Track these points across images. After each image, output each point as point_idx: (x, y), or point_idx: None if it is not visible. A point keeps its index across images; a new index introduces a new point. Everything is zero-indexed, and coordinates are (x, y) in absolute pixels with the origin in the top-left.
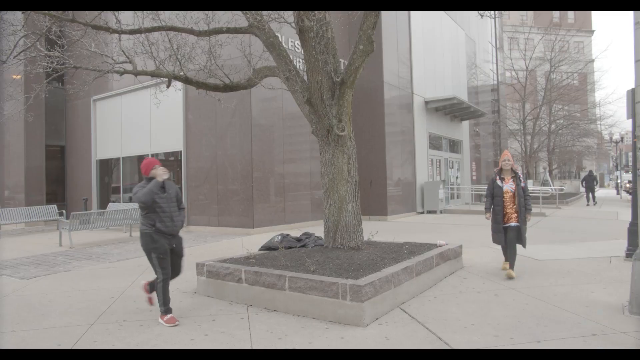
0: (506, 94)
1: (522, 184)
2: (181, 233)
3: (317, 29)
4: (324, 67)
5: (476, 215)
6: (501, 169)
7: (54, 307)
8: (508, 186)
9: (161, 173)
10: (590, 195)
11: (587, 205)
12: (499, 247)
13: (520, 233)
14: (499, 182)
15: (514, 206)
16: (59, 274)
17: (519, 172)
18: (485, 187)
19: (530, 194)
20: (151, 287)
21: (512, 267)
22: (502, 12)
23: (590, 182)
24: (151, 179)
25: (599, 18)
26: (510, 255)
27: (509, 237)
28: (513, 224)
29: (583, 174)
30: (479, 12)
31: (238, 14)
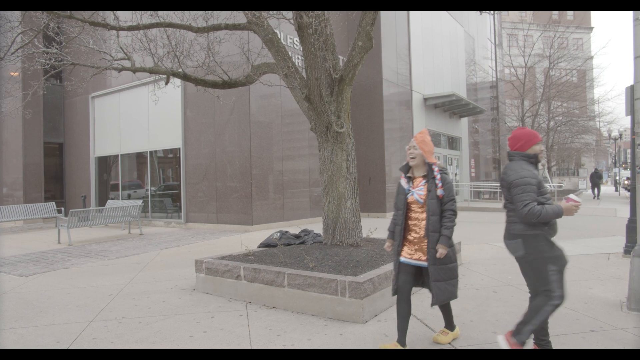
0: (505, 90)
1: (439, 190)
2: (179, 230)
3: (316, 26)
4: (323, 63)
5: (475, 212)
6: (408, 164)
7: (53, 304)
8: (416, 193)
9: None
10: (596, 190)
11: (593, 198)
12: (499, 244)
13: (433, 276)
14: (404, 184)
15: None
16: (57, 271)
17: (436, 168)
18: (483, 183)
19: (456, 208)
20: (518, 336)
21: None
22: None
23: (596, 179)
24: (531, 157)
25: (598, 15)
26: (402, 326)
27: (415, 285)
28: (421, 262)
29: (581, 171)
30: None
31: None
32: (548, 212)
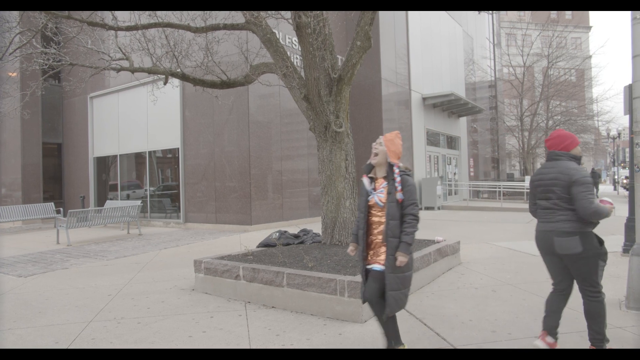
0: (504, 90)
1: (399, 194)
2: (178, 230)
3: (315, 25)
4: (322, 63)
5: (474, 212)
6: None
7: (52, 305)
8: (376, 195)
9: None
10: (595, 189)
11: None
12: (498, 243)
13: (389, 286)
14: (366, 184)
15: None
16: (56, 272)
17: (397, 170)
18: (482, 183)
19: (418, 212)
20: (599, 343)
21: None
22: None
23: (595, 179)
24: (578, 158)
25: (597, 14)
26: (384, 326)
27: (368, 290)
28: (376, 267)
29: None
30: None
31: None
32: (604, 211)
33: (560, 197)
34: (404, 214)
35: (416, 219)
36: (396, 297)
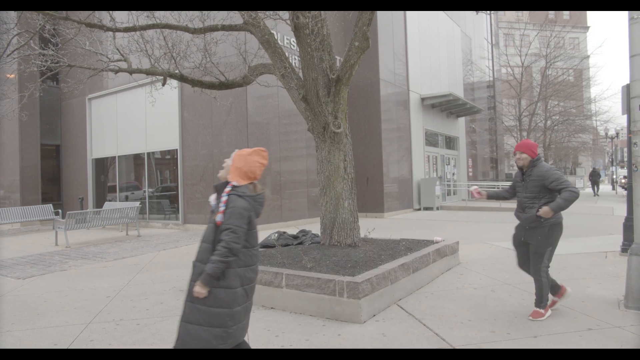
0: (502, 90)
1: (219, 215)
2: (177, 232)
3: (313, 26)
4: (320, 64)
5: (473, 212)
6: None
7: (50, 307)
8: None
9: None
10: (595, 188)
11: (594, 195)
12: (496, 243)
13: (184, 315)
14: (211, 201)
15: None
16: (55, 274)
17: (229, 188)
18: (481, 183)
19: (233, 242)
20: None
21: None
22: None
23: (595, 177)
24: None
25: (594, 14)
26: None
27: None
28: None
29: (578, 170)
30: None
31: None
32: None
33: None
34: (220, 239)
35: (227, 248)
36: (192, 332)
